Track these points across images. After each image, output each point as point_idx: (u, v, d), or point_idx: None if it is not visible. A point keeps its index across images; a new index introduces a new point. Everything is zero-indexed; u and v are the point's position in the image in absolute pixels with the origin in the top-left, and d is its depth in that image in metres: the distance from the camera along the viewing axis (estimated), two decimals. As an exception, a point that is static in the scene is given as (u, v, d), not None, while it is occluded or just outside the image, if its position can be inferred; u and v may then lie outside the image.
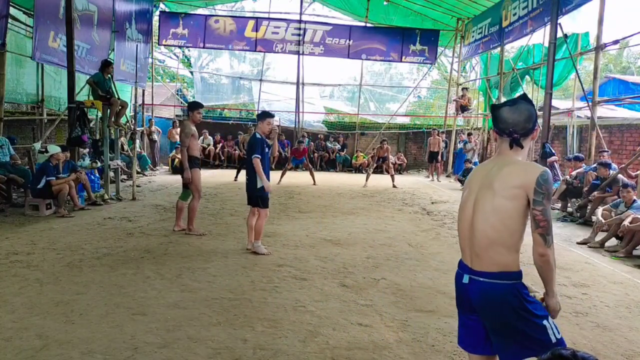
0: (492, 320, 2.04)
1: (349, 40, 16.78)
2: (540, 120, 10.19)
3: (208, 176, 13.41)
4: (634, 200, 6.34)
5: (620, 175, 7.52)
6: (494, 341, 2.08)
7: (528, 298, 2.01)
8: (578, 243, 6.59)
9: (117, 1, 11.80)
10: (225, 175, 13.51)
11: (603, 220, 6.42)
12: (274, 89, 19.05)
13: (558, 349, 1.29)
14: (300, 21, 16.61)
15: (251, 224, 5.51)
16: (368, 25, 17.26)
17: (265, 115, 5.62)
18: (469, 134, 15.16)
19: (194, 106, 6.38)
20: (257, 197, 5.43)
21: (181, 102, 19.03)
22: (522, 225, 2.01)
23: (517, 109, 2.08)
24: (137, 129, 13.53)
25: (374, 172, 13.30)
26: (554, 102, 10.24)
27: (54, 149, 7.79)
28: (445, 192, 12.12)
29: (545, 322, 1.99)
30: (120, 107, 9.01)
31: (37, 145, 9.45)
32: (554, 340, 1.96)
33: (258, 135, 5.42)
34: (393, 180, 12.83)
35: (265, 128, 5.50)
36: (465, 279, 2.09)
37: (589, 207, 7.97)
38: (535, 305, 2.01)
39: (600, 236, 6.52)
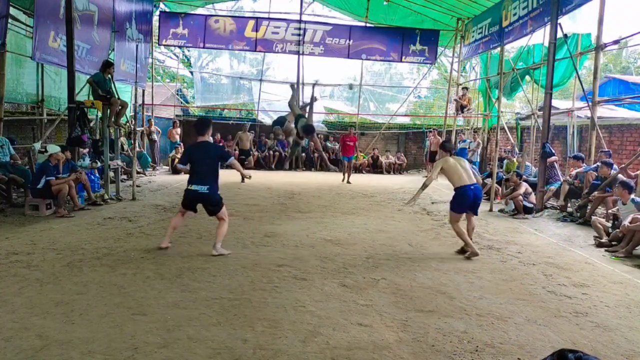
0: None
1: (349, 40, 16.76)
2: (540, 120, 10.20)
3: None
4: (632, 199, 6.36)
5: (620, 175, 7.52)
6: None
7: None
8: (597, 246, 6.35)
9: (118, 1, 11.78)
10: (225, 176, 13.45)
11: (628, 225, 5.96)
12: (274, 89, 19.04)
13: (564, 351, 1.24)
14: (300, 21, 16.59)
15: None
16: (368, 25, 17.24)
17: None
18: (475, 132, 15.10)
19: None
20: None
21: (181, 102, 19.01)
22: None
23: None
24: (137, 129, 13.50)
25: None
26: (554, 102, 10.22)
27: (53, 148, 7.78)
28: (445, 192, 12.09)
29: None
30: (120, 107, 9.02)
31: (37, 145, 9.44)
32: None
33: None
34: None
35: None
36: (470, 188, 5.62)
37: (589, 207, 7.96)
38: None
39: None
